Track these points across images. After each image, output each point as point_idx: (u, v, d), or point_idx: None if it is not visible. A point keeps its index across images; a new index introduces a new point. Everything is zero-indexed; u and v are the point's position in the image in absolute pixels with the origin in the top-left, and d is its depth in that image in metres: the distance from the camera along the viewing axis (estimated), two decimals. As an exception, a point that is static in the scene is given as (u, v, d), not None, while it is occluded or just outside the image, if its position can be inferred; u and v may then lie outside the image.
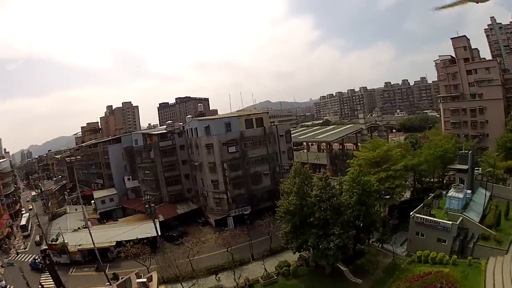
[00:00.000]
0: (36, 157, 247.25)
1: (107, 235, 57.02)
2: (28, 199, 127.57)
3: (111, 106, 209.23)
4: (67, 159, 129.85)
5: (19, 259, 64.70)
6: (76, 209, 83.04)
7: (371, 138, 73.44)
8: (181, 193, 71.64)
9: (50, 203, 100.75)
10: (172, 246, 52.42)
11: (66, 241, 55.59)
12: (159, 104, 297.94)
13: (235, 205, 60.27)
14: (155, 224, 48.92)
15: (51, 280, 41.49)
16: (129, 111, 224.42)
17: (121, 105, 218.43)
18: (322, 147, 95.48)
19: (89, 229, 50.56)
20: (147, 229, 53.54)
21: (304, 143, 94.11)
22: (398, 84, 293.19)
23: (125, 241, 47.63)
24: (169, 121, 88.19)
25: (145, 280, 34.78)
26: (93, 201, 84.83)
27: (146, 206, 56.62)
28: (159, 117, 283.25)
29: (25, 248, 71.02)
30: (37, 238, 71.19)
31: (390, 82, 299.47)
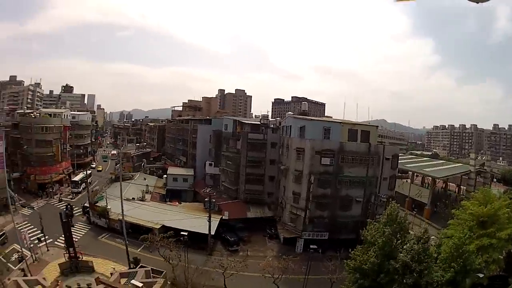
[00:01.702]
0: (133, 120, 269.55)
1: (158, 215, 56.85)
2: (107, 159, 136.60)
3: (223, 90, 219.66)
4: (158, 128, 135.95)
5: (57, 205, 70.35)
6: (144, 178, 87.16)
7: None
8: (260, 195, 67.17)
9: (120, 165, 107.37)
10: (224, 251, 49.52)
11: (109, 207, 58.05)
12: (274, 99, 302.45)
13: (311, 227, 53.69)
14: (209, 222, 44.60)
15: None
16: (241, 99, 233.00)
17: (233, 92, 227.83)
18: (427, 181, 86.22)
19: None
20: (203, 224, 50.98)
21: (410, 173, 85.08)
22: (504, 128, 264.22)
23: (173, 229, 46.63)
24: (265, 113, 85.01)
25: (140, 285, 31.71)
26: (165, 176, 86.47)
27: (206, 199, 54.92)
28: (272, 112, 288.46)
29: (71, 198, 76.55)
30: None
31: (498, 125, 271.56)
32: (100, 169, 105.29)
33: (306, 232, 53.40)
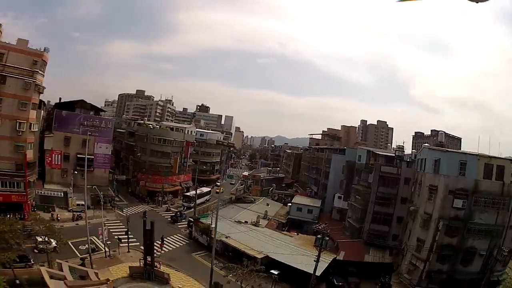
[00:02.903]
0: (273, 145, 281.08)
1: (265, 244, 54.90)
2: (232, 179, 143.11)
3: (366, 121, 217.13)
4: (295, 155, 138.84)
5: (162, 213, 76.75)
6: (267, 204, 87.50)
7: None
8: (384, 238, 61.30)
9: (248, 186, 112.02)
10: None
11: (213, 225, 55.82)
12: (415, 132, 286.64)
13: (427, 282, 46.30)
14: (317, 261, 40.97)
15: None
16: (382, 131, 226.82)
17: (375, 123, 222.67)
18: None
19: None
20: (311, 261, 45.96)
21: None
22: None
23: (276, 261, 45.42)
24: (400, 144, 79.15)
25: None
26: (289, 204, 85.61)
27: (318, 236, 50.93)
28: (412, 146, 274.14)
29: (181, 211, 79.02)
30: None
31: None
32: (219, 191, 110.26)
33: (420, 288, 47.00)
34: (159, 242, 55.23)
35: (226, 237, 56.09)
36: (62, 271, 36.61)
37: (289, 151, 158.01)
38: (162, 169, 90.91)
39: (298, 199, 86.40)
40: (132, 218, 61.03)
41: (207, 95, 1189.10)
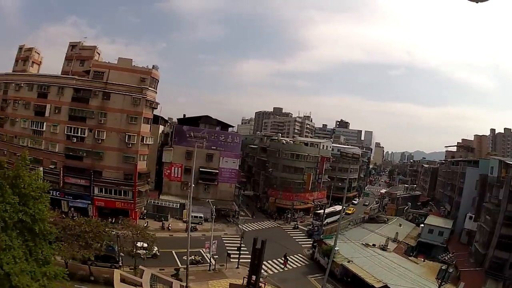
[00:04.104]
0: (411, 161, 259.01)
1: (388, 272, 47.86)
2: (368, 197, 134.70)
3: (494, 129, 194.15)
4: (432, 170, 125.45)
5: (288, 231, 75.43)
6: (400, 224, 78.58)
7: None
8: (502, 267, 49.58)
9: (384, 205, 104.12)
10: None
11: (337, 248, 50.28)
12: None
13: None
14: None
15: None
16: (509, 140, 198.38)
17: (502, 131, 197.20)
18: None
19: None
20: None
21: None
22: None
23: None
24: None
25: None
26: (421, 225, 76.04)
27: (442, 266, 42.96)
28: None
29: (310, 230, 76.61)
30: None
31: None
32: (350, 211, 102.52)
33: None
34: (283, 260, 55.41)
35: (348, 261, 51.05)
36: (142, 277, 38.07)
37: (426, 165, 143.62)
38: (293, 185, 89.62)
39: (431, 220, 76.76)
40: (251, 234, 60.40)
41: (344, 111, 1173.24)
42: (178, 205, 74.69)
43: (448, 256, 53.72)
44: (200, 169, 77.96)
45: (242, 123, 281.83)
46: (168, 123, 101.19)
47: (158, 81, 70.63)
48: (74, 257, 37.67)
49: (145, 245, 46.80)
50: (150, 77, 66.85)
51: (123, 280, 36.29)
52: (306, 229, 77.28)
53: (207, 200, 69.22)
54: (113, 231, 45.78)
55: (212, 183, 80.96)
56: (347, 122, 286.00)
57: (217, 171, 79.95)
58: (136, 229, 46.71)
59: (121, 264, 44.85)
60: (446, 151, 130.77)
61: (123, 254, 46.18)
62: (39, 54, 79.79)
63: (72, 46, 76.26)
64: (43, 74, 72.19)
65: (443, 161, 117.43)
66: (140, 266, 41.91)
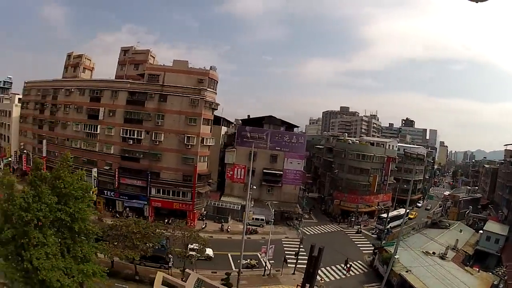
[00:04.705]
0: (473, 160, 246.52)
1: (441, 284, 43.96)
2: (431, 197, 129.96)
3: None
4: (492, 171, 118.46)
5: (351, 235, 74.22)
6: (461, 230, 72.77)
7: None
8: None
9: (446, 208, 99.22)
10: None
11: (396, 256, 46.49)
12: None
13: None
14: None
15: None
16: None
17: None
18: None
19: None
20: None
21: None
22: None
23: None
24: None
25: None
26: (481, 231, 69.60)
27: (495, 282, 40.10)
28: None
29: (373, 234, 76.29)
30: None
31: None
32: (412, 216, 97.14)
33: None
34: (346, 266, 54.18)
35: (407, 271, 47.42)
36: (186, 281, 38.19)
37: (487, 166, 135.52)
38: (359, 187, 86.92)
39: (491, 226, 70.56)
40: (313, 238, 59.94)
41: (409, 109, 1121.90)
42: (239, 206, 73.90)
43: (503, 270, 50.67)
44: (264, 170, 78.26)
45: (310, 123, 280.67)
46: (233, 124, 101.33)
47: (217, 82, 71.06)
48: (118, 257, 39.63)
49: (198, 247, 45.53)
50: (208, 78, 67.55)
51: (165, 282, 36.45)
52: (369, 233, 75.71)
53: (269, 202, 69.40)
54: (163, 232, 46.48)
55: (276, 184, 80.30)
56: (413, 121, 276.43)
57: (281, 172, 79.36)
58: (188, 231, 46.30)
59: (171, 265, 45.11)
60: (505, 150, 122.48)
61: (171, 256, 45.45)
62: (90, 60, 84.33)
63: (125, 51, 79.05)
64: (95, 79, 75.96)
65: (503, 161, 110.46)
66: (187, 270, 41.63)
